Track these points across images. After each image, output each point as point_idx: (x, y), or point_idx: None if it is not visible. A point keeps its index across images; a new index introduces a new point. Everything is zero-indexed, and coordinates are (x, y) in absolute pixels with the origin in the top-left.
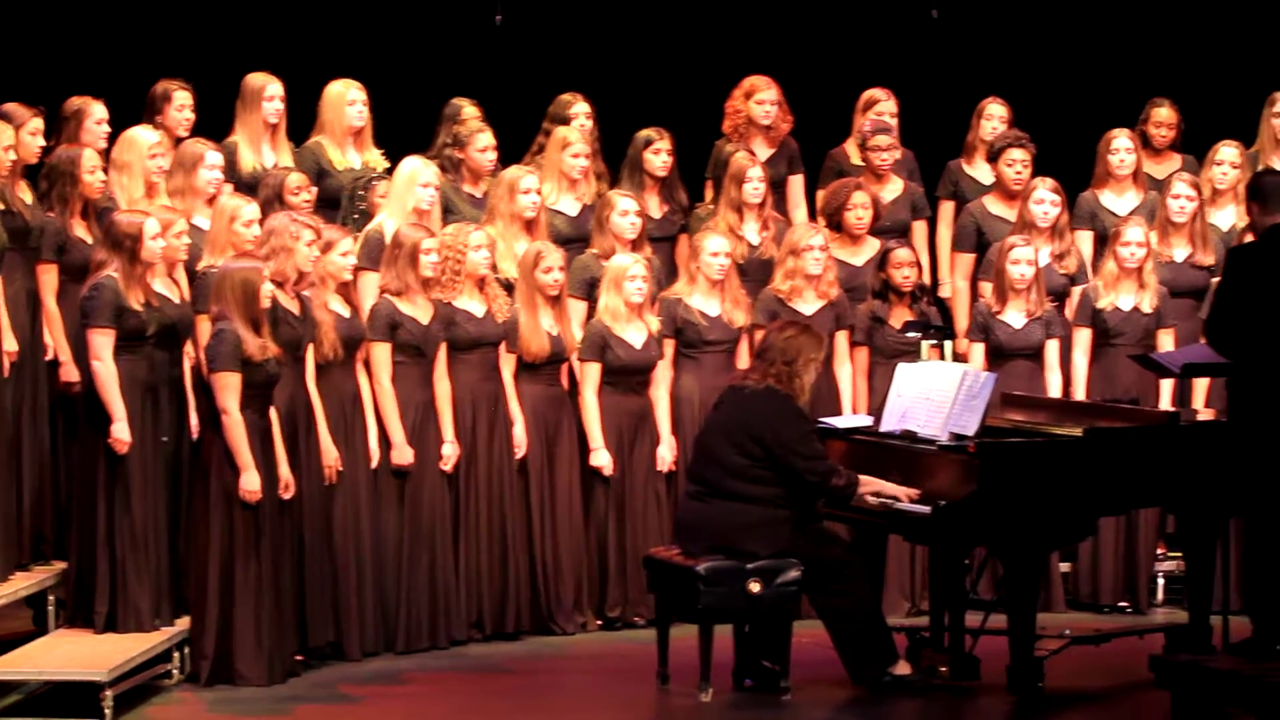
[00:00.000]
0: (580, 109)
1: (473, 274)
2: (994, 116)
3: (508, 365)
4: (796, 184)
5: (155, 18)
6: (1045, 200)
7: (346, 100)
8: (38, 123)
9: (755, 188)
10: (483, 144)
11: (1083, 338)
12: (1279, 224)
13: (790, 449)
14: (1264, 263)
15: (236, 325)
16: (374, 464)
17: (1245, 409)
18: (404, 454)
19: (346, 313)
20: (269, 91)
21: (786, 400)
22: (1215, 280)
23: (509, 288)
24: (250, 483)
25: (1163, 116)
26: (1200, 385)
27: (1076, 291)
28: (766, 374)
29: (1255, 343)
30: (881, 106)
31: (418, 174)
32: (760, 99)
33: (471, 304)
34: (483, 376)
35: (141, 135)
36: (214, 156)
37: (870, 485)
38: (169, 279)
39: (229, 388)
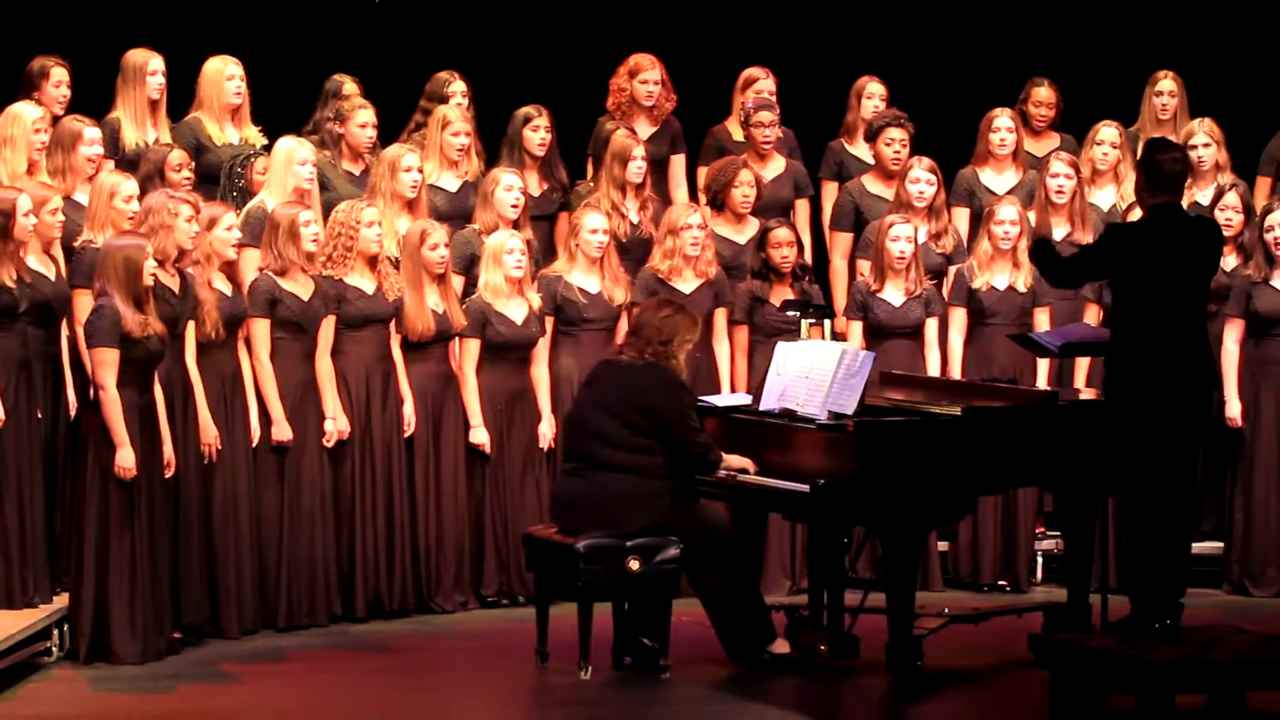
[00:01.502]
0: (457, 87)
1: (365, 251)
2: (874, 95)
3: (396, 344)
4: (679, 163)
5: None
6: (921, 180)
7: (225, 76)
8: None
9: (639, 166)
10: (362, 120)
11: (958, 317)
12: (1161, 204)
13: (676, 419)
14: (1143, 241)
15: (117, 302)
16: (255, 442)
17: (1121, 388)
18: (283, 430)
19: (229, 291)
20: (151, 67)
21: (668, 372)
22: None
23: (394, 266)
24: (125, 459)
25: (1042, 96)
26: (1081, 364)
27: (951, 271)
28: (643, 351)
29: (1134, 322)
30: (760, 84)
31: (294, 153)
32: (645, 78)
33: (362, 281)
34: (375, 354)
35: (25, 111)
36: (92, 133)
37: (725, 460)
38: (45, 255)
39: (106, 364)
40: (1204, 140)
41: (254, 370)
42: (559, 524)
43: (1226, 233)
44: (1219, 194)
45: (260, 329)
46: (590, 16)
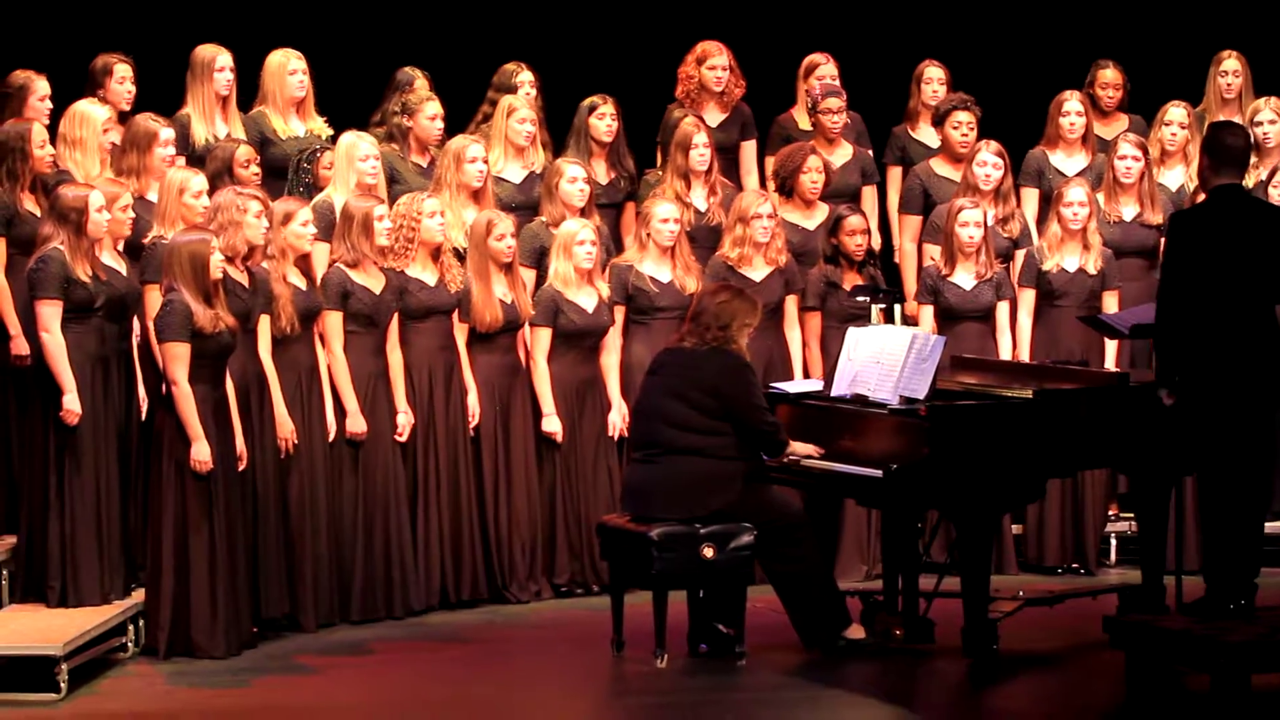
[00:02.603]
0: (525, 78)
1: (428, 242)
2: (933, 80)
3: (461, 334)
4: (750, 149)
5: None
6: (988, 163)
7: (288, 70)
8: None
9: (701, 154)
10: (431, 113)
11: (1028, 299)
12: (1225, 185)
13: (743, 400)
14: (1207, 223)
15: (186, 296)
16: (331, 436)
17: (1195, 369)
18: (358, 423)
19: (304, 285)
20: (219, 63)
21: (732, 355)
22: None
23: (460, 257)
24: (201, 453)
25: (1109, 78)
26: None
27: (1020, 254)
28: (704, 338)
29: (1204, 303)
30: (823, 70)
31: (356, 148)
32: (712, 64)
33: (424, 273)
34: (438, 345)
35: (93, 111)
36: (168, 133)
37: (791, 446)
38: (115, 252)
39: (178, 358)
40: (1270, 116)
41: (328, 363)
42: (632, 511)
43: None
44: (1274, 171)
45: (334, 321)
46: (655, 6)
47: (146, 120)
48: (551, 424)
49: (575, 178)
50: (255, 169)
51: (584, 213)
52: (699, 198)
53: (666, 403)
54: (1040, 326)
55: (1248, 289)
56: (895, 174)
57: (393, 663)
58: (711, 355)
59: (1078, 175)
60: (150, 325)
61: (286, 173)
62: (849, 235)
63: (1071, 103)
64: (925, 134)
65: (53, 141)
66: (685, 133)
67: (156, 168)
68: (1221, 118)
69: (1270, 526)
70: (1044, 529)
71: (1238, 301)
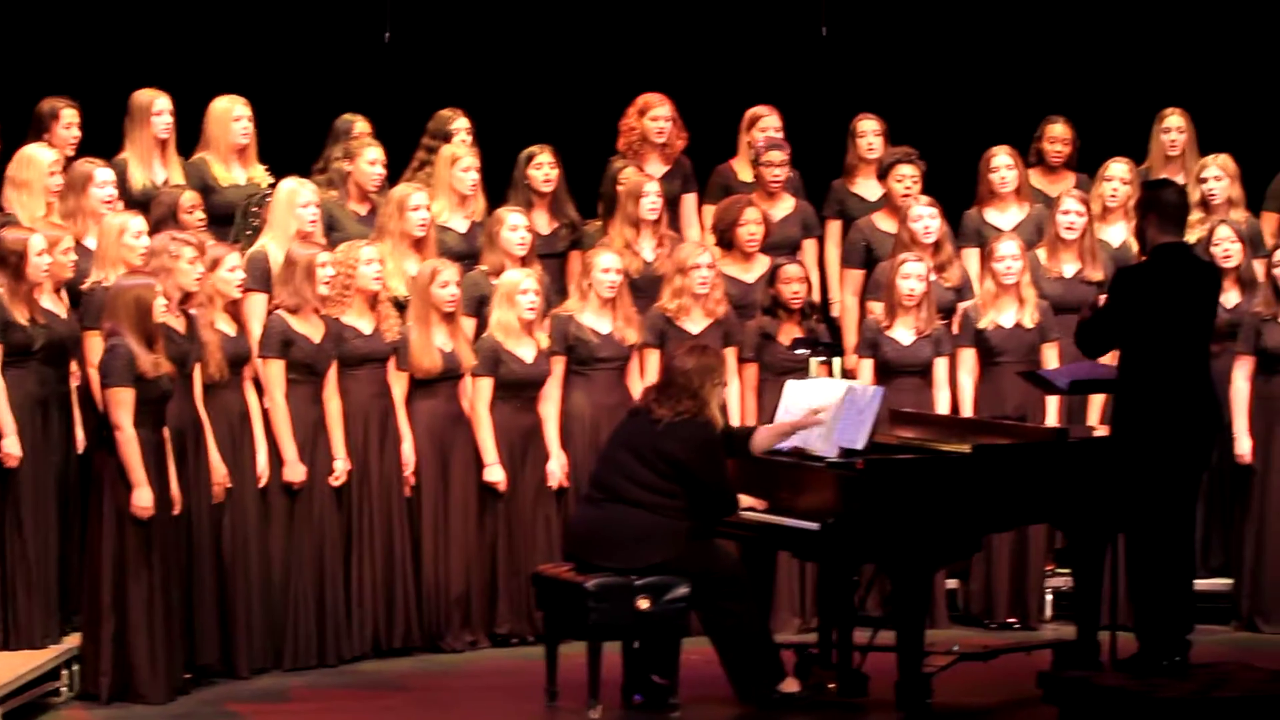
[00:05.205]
0: (460, 124)
1: (364, 290)
2: (867, 133)
3: (397, 383)
4: (690, 202)
5: (38, 35)
6: (924, 216)
7: (232, 116)
8: None
9: (652, 203)
10: (371, 157)
11: (967, 357)
12: (1169, 244)
13: (709, 475)
14: (1151, 281)
15: (130, 341)
16: (263, 482)
17: (1127, 426)
18: (296, 471)
19: (233, 331)
20: (157, 107)
21: (705, 428)
22: (1103, 298)
23: (399, 306)
24: (143, 499)
25: (1057, 133)
26: (1095, 401)
27: (960, 310)
28: (675, 410)
29: (1140, 360)
30: (766, 122)
31: (296, 194)
32: (655, 114)
33: (360, 321)
34: (373, 393)
35: (40, 154)
36: (104, 174)
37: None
38: (54, 296)
39: (123, 404)
40: (1217, 173)
41: (268, 411)
42: (572, 553)
43: (1226, 264)
44: (1212, 230)
45: (275, 370)
46: (596, 58)
47: (83, 163)
48: (494, 473)
49: (516, 225)
50: (200, 214)
51: (525, 262)
52: (647, 248)
53: (625, 455)
54: (984, 383)
55: (1187, 347)
56: (834, 228)
57: (325, 710)
58: (680, 428)
59: (1012, 230)
60: (90, 371)
61: (226, 219)
62: (785, 284)
63: (999, 157)
64: (863, 187)
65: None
66: (637, 182)
67: (93, 209)
68: (1165, 175)
69: (1206, 583)
70: (991, 583)
71: (1177, 360)
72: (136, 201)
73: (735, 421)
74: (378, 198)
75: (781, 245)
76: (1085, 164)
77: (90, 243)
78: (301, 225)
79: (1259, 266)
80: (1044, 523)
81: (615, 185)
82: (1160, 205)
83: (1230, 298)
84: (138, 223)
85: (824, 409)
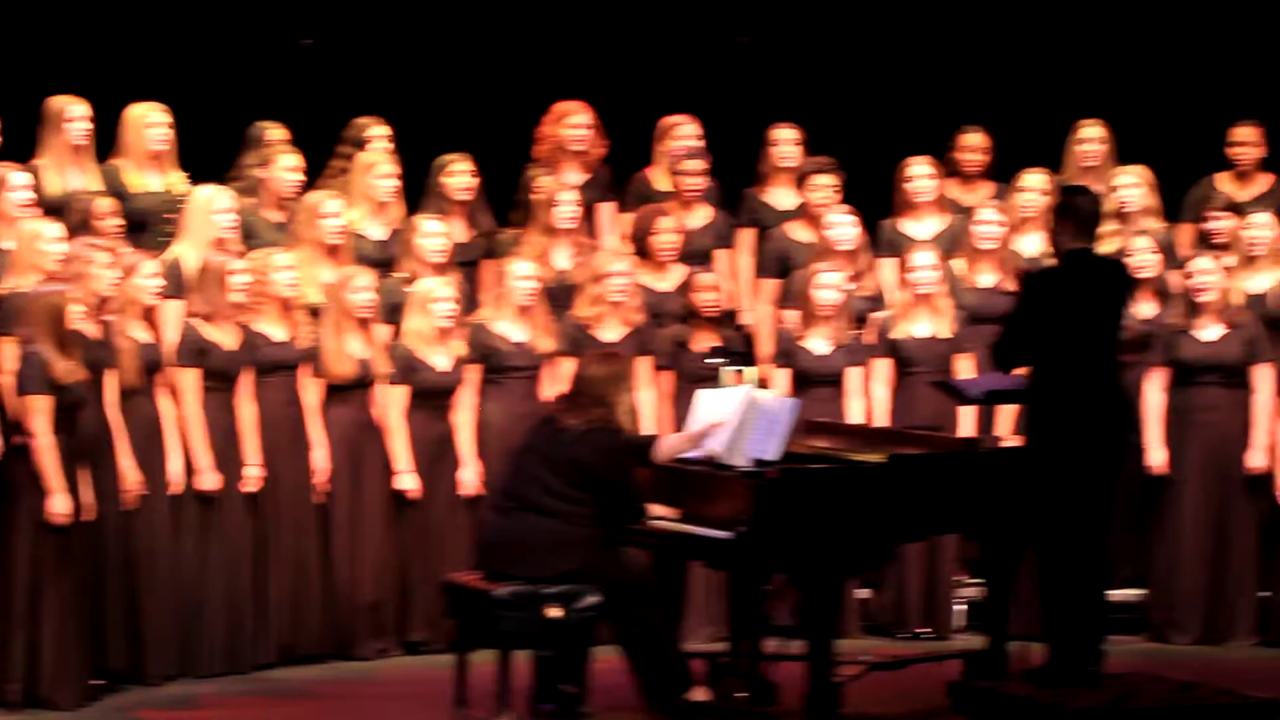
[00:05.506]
0: (376, 131)
1: (276, 296)
2: (782, 141)
3: (310, 389)
4: (607, 210)
5: None
6: (842, 224)
7: (147, 123)
8: None
9: (569, 212)
10: (286, 164)
11: (881, 368)
12: (1080, 249)
13: (616, 484)
14: (1062, 287)
15: (44, 348)
16: (176, 489)
17: (1038, 434)
18: (209, 479)
19: (148, 338)
20: (70, 113)
21: (614, 435)
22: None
23: (313, 313)
24: (60, 505)
25: (973, 143)
26: (1007, 411)
27: (873, 320)
28: (584, 418)
29: (1051, 368)
30: (681, 131)
31: (213, 201)
32: (572, 123)
33: (274, 328)
34: (285, 400)
35: None
36: (18, 178)
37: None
38: None
39: (39, 411)
40: (1133, 181)
41: (182, 419)
42: (482, 560)
43: (1142, 275)
44: (1129, 239)
45: (189, 379)
46: (512, 66)
47: None
48: (406, 481)
49: (433, 233)
50: (116, 221)
51: (442, 270)
52: (563, 257)
53: (534, 464)
54: (898, 392)
55: (1096, 353)
56: (746, 236)
57: (234, 717)
58: (590, 437)
59: (929, 240)
60: (3, 378)
61: (142, 226)
62: (698, 292)
63: (915, 167)
64: (775, 196)
65: None
66: (553, 190)
67: (8, 215)
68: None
69: (1117, 594)
70: (903, 593)
71: (1085, 366)
72: (52, 208)
73: (649, 430)
74: (293, 205)
75: (698, 254)
76: (1002, 174)
77: (5, 248)
78: (217, 232)
79: (1175, 277)
80: (957, 533)
81: (531, 193)
82: (1075, 211)
83: (1146, 308)
84: (53, 229)
85: (723, 420)
